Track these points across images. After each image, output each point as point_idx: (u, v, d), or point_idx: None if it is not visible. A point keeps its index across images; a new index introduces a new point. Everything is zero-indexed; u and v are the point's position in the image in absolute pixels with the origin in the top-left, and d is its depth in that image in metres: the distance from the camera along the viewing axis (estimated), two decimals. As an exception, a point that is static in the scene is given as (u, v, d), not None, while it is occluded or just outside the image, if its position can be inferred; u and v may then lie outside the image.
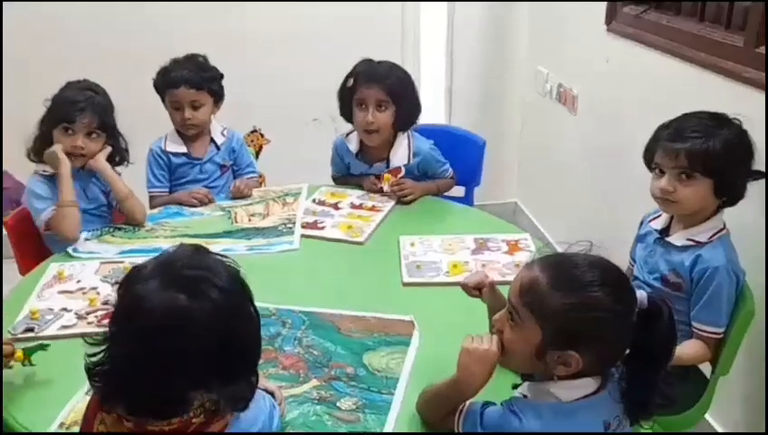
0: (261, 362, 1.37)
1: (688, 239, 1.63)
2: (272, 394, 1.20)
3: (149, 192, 2.28)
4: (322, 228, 2.04)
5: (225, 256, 1.10)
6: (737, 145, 1.56)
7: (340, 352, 1.46)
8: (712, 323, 1.60)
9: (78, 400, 1.30)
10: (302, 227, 2.04)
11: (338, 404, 1.30)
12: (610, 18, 2.53)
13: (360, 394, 1.33)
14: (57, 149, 1.95)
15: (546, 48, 3.14)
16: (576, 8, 2.80)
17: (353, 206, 2.18)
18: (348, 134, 2.33)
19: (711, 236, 1.61)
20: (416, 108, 2.27)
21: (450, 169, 2.36)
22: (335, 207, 2.17)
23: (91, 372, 1.02)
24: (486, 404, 1.16)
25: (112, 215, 2.15)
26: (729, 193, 1.60)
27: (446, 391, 1.21)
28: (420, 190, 2.23)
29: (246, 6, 3.03)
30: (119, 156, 2.09)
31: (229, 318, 1.00)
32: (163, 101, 2.27)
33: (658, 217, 1.74)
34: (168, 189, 2.29)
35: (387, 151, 2.27)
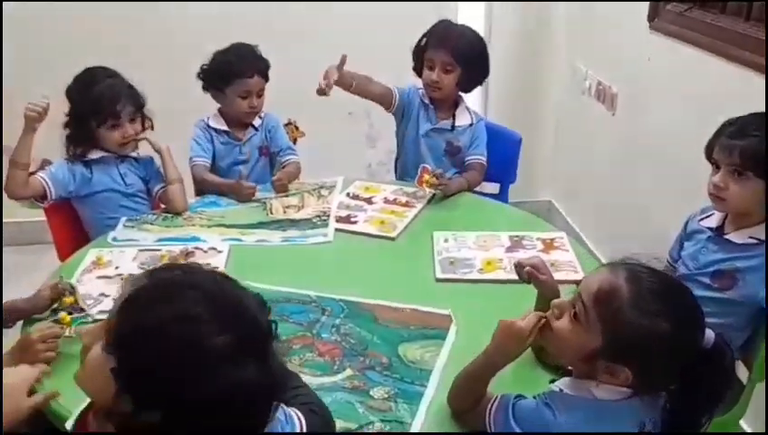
0: (298, 346, 1.40)
1: (750, 237, 1.59)
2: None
3: (192, 161, 2.30)
4: (355, 223, 2.05)
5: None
6: None
7: (377, 342, 1.47)
8: None
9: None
10: (336, 220, 2.05)
11: (371, 393, 1.31)
12: (653, 16, 2.49)
13: (393, 384, 1.34)
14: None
15: (585, 45, 3.10)
16: (618, 6, 2.75)
17: (386, 201, 2.18)
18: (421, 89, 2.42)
19: None
20: (482, 72, 2.38)
21: (485, 156, 2.37)
22: (369, 201, 2.18)
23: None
24: (519, 397, 1.16)
25: (152, 202, 2.18)
26: None
27: (475, 366, 1.22)
28: (456, 186, 2.23)
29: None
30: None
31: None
32: (219, 90, 2.28)
33: (710, 216, 1.70)
34: (210, 161, 2.33)
35: (451, 111, 2.39)
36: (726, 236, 1.63)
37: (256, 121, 2.39)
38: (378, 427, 1.22)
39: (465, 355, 1.27)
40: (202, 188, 2.29)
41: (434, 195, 2.17)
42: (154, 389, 0.82)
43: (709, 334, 1.10)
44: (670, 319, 1.07)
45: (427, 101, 2.39)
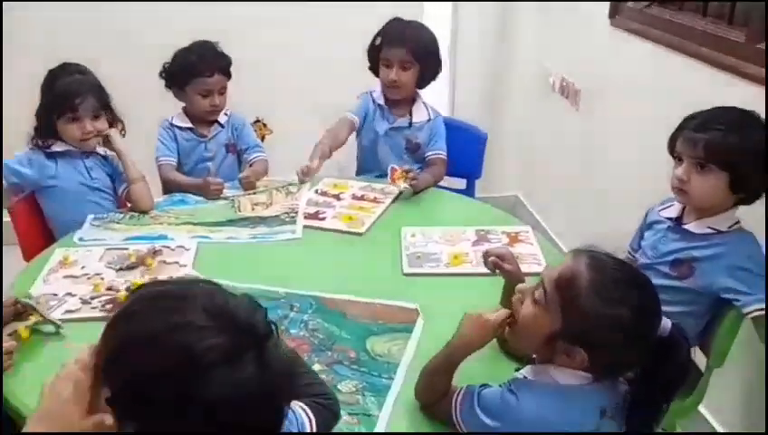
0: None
1: (708, 227, 1.63)
2: None
3: (158, 161, 2.31)
4: (323, 219, 2.06)
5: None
6: (758, 143, 1.54)
7: (345, 337, 1.49)
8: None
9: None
10: (304, 217, 2.06)
11: (339, 387, 1.33)
12: (614, 13, 2.55)
13: (361, 377, 1.36)
14: None
15: (550, 42, 3.15)
16: (579, 3, 2.80)
17: (355, 197, 2.20)
18: (374, 91, 2.44)
19: (729, 227, 1.62)
20: (437, 66, 2.40)
21: (445, 150, 2.40)
22: (337, 198, 2.19)
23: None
24: (484, 386, 1.19)
25: (118, 201, 2.17)
26: (744, 190, 1.58)
27: (438, 359, 1.24)
28: (424, 183, 2.25)
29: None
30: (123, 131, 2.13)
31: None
32: (180, 88, 2.29)
33: (669, 207, 1.74)
34: (176, 160, 2.33)
35: (408, 108, 2.40)
36: (685, 226, 1.67)
37: (222, 119, 2.39)
38: (345, 420, 1.24)
39: (431, 348, 1.29)
40: (170, 188, 2.29)
41: (401, 192, 2.19)
42: (152, 405, 0.81)
43: (665, 323, 1.14)
44: (628, 306, 1.10)
45: (381, 101, 2.40)
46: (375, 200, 2.17)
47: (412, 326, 1.52)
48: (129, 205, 2.13)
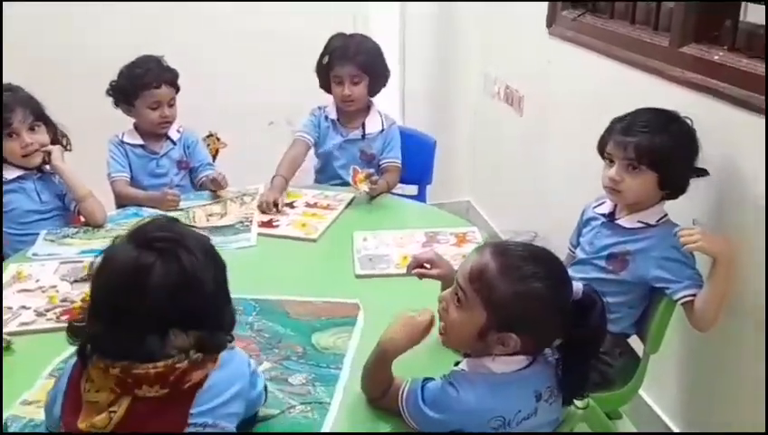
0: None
1: (639, 222, 1.73)
2: None
3: (111, 178, 2.33)
4: (277, 226, 2.11)
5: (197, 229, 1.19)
6: (683, 142, 1.67)
7: (290, 334, 1.54)
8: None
9: (41, 383, 1.37)
10: (259, 225, 2.10)
11: (289, 380, 1.38)
12: (551, 22, 2.66)
13: (310, 370, 1.41)
14: None
15: (493, 51, 3.26)
16: (520, 13, 2.92)
17: (308, 205, 2.25)
18: (326, 107, 2.48)
19: (658, 220, 1.72)
20: (386, 73, 2.47)
21: (399, 158, 2.46)
22: (290, 206, 2.24)
23: (74, 329, 1.17)
24: (426, 380, 1.25)
25: (69, 218, 2.17)
26: (671, 187, 1.70)
27: (373, 357, 1.30)
28: (380, 188, 2.31)
29: (196, 8, 3.08)
30: (63, 145, 2.12)
31: (192, 276, 1.10)
32: (129, 104, 2.32)
33: (602, 203, 1.84)
34: (128, 175, 2.35)
35: (361, 120, 2.45)
36: (618, 222, 1.77)
37: (174, 135, 2.41)
38: (299, 409, 1.29)
39: (375, 338, 1.33)
40: (125, 203, 2.30)
41: (354, 197, 2.25)
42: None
43: (577, 286, 1.21)
44: (539, 279, 1.18)
45: (333, 116, 2.45)
46: (328, 207, 2.23)
47: (354, 320, 1.58)
48: (82, 220, 2.14)
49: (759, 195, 1.67)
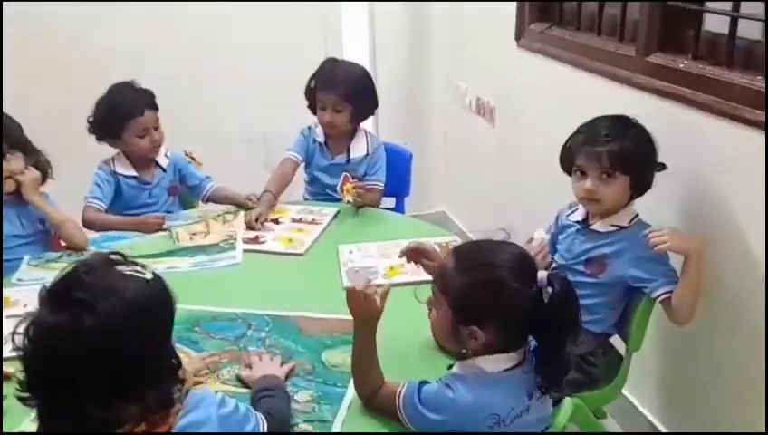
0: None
1: (611, 225, 1.79)
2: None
3: (88, 200, 2.26)
4: (263, 242, 2.13)
5: (142, 267, 1.12)
6: (645, 142, 1.74)
7: (301, 351, 1.55)
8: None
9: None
10: (244, 242, 2.12)
11: (296, 397, 1.39)
12: (519, 35, 2.74)
13: (317, 387, 1.43)
14: None
15: (464, 63, 3.34)
16: (489, 27, 3.00)
17: (293, 220, 2.27)
18: (316, 127, 2.50)
19: (629, 222, 1.79)
20: (372, 104, 2.49)
21: (383, 181, 2.48)
22: (276, 222, 2.26)
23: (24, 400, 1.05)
24: (423, 383, 1.29)
25: (50, 242, 2.16)
26: (642, 187, 1.77)
27: (353, 345, 1.36)
28: (368, 199, 2.36)
29: (165, 23, 3.08)
30: (43, 173, 2.07)
31: (119, 335, 1.01)
32: (114, 136, 2.27)
33: (575, 211, 1.90)
34: (105, 208, 2.28)
35: (347, 144, 2.47)
36: (592, 227, 1.84)
37: (164, 161, 2.39)
38: (302, 427, 1.31)
39: (380, 354, 1.36)
40: (94, 229, 2.22)
41: (338, 211, 2.29)
42: None
43: (541, 274, 1.24)
44: (489, 268, 1.24)
45: (321, 139, 2.48)
46: (313, 222, 2.25)
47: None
48: (63, 244, 2.13)
49: (725, 194, 1.75)
